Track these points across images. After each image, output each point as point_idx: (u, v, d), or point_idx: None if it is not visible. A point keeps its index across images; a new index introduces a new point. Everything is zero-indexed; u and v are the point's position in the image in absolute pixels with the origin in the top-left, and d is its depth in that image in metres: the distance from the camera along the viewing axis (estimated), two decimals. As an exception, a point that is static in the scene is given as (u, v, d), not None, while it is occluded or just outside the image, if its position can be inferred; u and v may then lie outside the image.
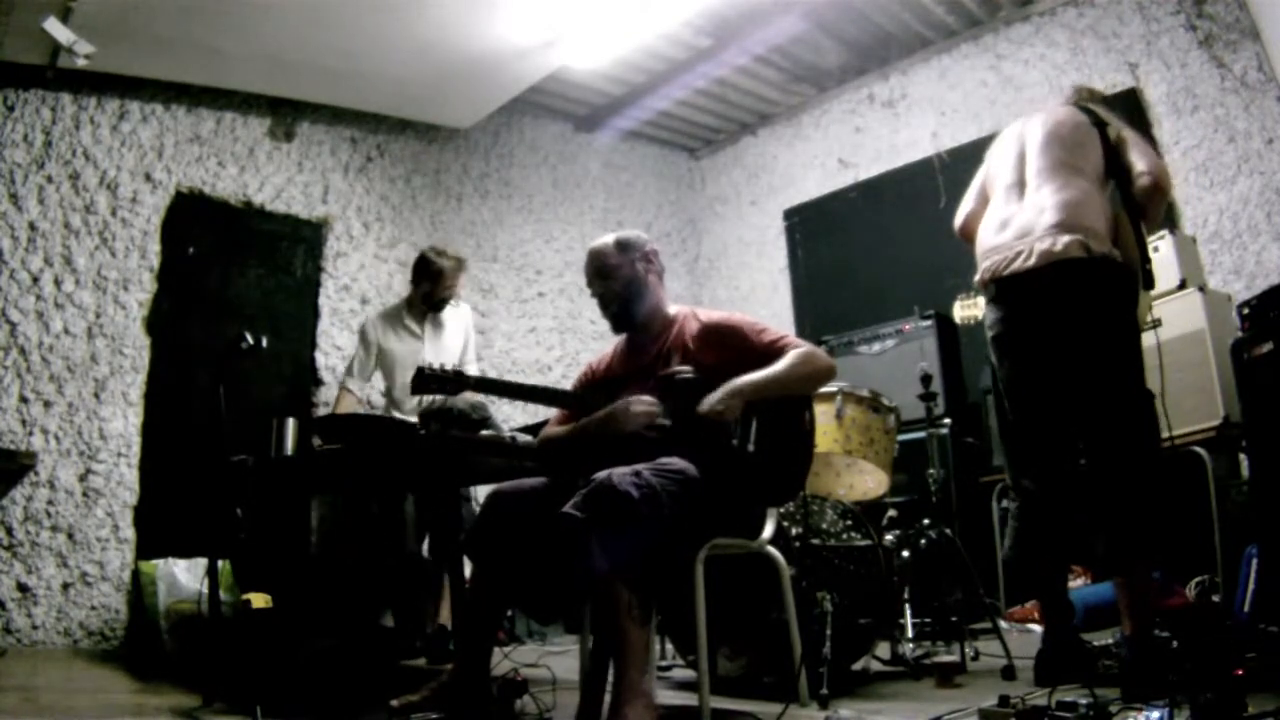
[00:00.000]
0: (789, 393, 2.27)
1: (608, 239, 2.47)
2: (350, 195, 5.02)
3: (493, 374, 5.21)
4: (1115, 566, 2.35)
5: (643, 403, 2.21)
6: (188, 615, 3.43)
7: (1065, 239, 2.40)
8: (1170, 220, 4.14)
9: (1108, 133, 2.60)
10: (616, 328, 2.49)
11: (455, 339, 4.03)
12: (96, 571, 3.87)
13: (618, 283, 2.41)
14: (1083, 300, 2.40)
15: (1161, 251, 3.42)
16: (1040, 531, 2.53)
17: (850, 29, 5.16)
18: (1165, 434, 2.52)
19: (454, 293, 3.99)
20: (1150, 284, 2.54)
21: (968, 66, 5.16)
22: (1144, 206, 2.52)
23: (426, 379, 2.20)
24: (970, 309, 3.31)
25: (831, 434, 3.09)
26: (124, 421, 4.06)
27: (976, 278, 2.66)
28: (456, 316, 4.12)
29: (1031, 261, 2.44)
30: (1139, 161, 2.54)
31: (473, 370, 3.75)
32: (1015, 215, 2.57)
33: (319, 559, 3.47)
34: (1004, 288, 2.53)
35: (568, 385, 2.90)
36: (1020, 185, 2.61)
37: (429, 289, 3.95)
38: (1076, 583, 3.55)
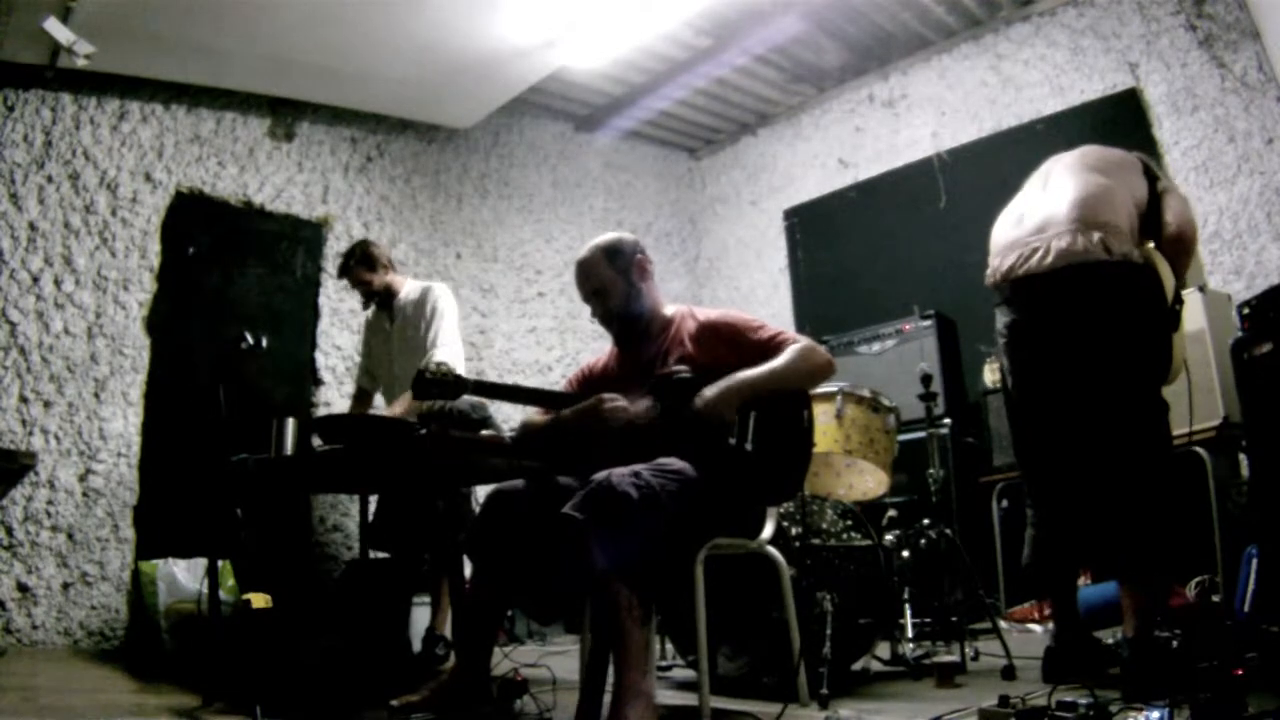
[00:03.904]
0: (787, 388, 2.26)
1: (595, 249, 2.41)
2: (350, 195, 5.02)
3: (492, 374, 5.21)
4: (1129, 576, 2.31)
5: (614, 401, 2.20)
6: (188, 615, 3.43)
7: (1085, 236, 2.30)
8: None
9: (1157, 182, 2.54)
10: (620, 342, 2.47)
11: (415, 326, 3.86)
12: (96, 571, 3.87)
13: (615, 300, 2.38)
14: (1101, 305, 2.31)
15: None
16: (1056, 529, 2.51)
17: (850, 29, 5.15)
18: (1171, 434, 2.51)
19: (368, 287, 3.91)
20: (1177, 325, 2.47)
21: (968, 66, 5.16)
22: (1170, 257, 2.45)
23: (427, 383, 2.16)
24: (998, 372, 3.22)
25: (831, 434, 3.09)
26: (124, 421, 4.06)
27: (987, 274, 2.57)
28: (417, 302, 3.94)
29: (1049, 260, 2.34)
30: (1168, 212, 2.47)
31: (437, 354, 3.62)
32: (1034, 208, 2.49)
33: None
34: (1018, 288, 2.45)
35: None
36: (1044, 181, 2.54)
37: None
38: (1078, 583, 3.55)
